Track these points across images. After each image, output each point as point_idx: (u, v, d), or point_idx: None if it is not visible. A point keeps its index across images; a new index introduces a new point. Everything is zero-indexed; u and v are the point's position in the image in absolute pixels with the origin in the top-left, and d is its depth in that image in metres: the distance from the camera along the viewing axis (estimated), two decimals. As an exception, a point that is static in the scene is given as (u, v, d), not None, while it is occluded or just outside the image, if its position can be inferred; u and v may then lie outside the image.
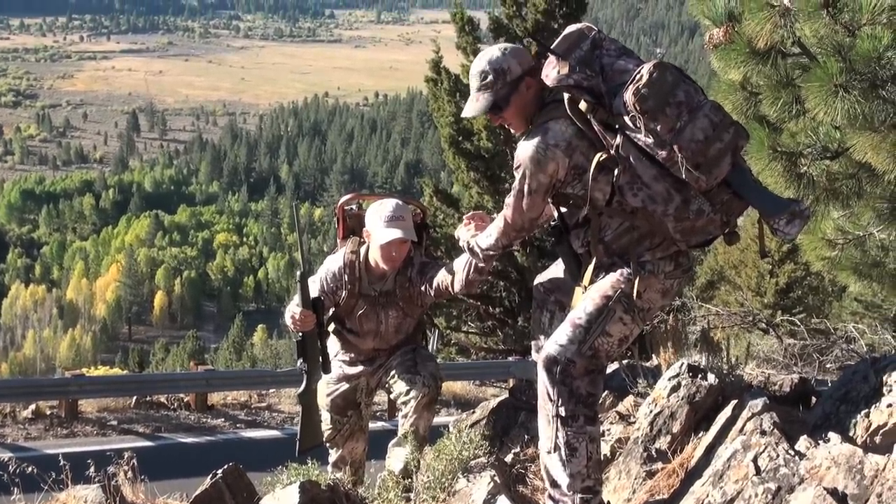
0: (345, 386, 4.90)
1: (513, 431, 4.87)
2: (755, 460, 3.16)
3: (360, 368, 4.88)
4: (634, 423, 4.28)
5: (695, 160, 3.08)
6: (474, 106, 3.50)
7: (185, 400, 14.15)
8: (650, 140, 3.11)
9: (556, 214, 3.62)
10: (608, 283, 3.41)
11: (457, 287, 4.39)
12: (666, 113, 3.07)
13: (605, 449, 4.10)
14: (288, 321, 4.54)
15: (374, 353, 4.85)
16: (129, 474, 4.53)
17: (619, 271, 3.40)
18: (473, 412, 5.31)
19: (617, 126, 3.19)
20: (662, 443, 3.91)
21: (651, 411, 4.07)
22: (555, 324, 3.72)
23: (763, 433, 3.28)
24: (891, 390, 3.40)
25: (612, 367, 5.21)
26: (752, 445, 3.24)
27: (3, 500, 4.55)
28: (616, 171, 3.24)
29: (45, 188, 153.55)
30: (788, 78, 5.04)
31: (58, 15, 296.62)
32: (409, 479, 4.02)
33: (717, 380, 4.08)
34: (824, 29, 4.52)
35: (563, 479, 3.35)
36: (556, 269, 3.96)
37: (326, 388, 4.88)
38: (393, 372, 4.70)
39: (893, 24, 4.40)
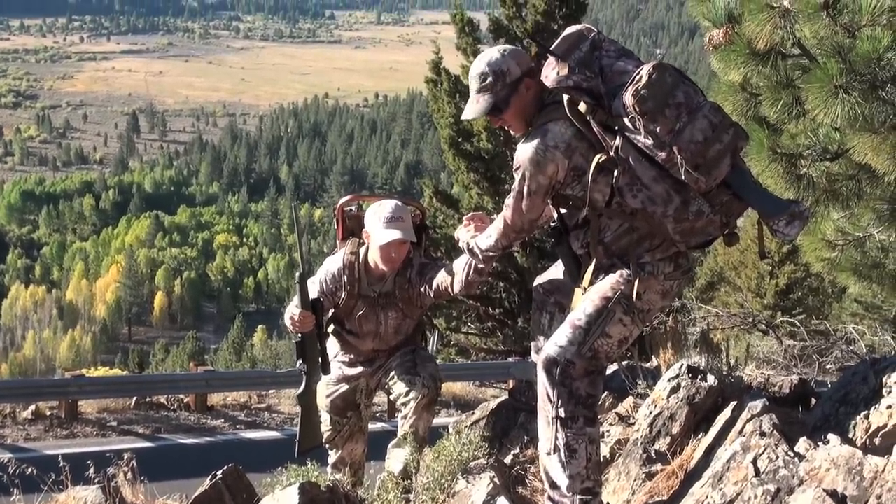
0: (344, 387, 4.89)
1: (512, 433, 4.87)
2: (755, 462, 3.16)
3: (359, 369, 4.88)
4: (634, 424, 4.28)
5: (694, 161, 3.08)
6: (474, 108, 3.50)
7: (185, 401, 14.16)
8: (649, 141, 3.11)
9: (555, 216, 3.62)
10: (608, 284, 3.40)
11: (456, 288, 4.39)
12: (665, 114, 3.07)
13: (604, 450, 4.10)
14: (287, 322, 4.53)
15: (373, 354, 4.85)
16: (129, 475, 4.53)
17: (618, 273, 3.40)
18: (473, 413, 5.31)
19: (616, 127, 3.19)
20: (662, 444, 3.91)
21: (651, 412, 4.07)
22: (554, 325, 3.72)
23: (762, 435, 3.28)
24: (890, 392, 3.40)
25: (611, 369, 5.21)
26: (751, 447, 3.24)
27: (3, 500, 4.55)
28: (615, 173, 3.24)
29: (45, 189, 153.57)
30: (788, 79, 5.05)
31: (58, 16, 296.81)
32: (409, 481, 4.02)
33: (716, 381, 4.09)
34: (824, 30, 4.53)
35: (562, 481, 3.35)
36: (556, 271, 3.95)
37: (326, 390, 4.88)
38: (392, 373, 4.70)
39: (893, 26, 4.40)
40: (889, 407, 3.34)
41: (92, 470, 4.48)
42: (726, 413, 3.73)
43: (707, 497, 3.20)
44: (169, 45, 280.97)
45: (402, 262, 4.62)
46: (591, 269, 3.45)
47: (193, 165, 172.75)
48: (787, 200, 3.26)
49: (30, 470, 4.42)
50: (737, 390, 4.11)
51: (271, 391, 15.10)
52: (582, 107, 3.23)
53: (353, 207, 4.97)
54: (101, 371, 19.65)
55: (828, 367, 8.95)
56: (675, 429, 3.93)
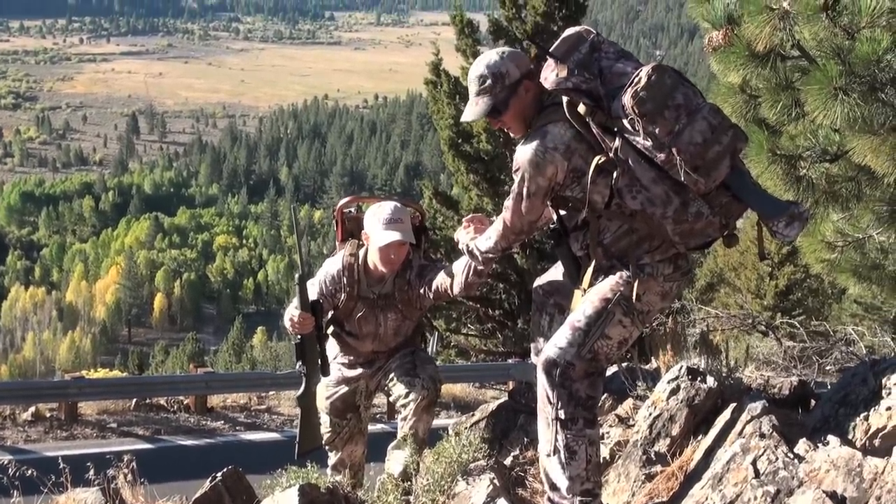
0: (344, 389, 4.89)
1: (512, 434, 4.88)
2: (754, 463, 3.16)
3: (359, 371, 4.88)
4: (633, 425, 4.28)
5: (693, 163, 3.08)
6: (473, 110, 3.50)
7: (185, 402, 14.16)
8: (649, 143, 3.11)
9: (555, 217, 3.62)
10: (607, 285, 3.40)
11: (456, 289, 4.39)
12: (664, 116, 3.07)
13: (604, 452, 4.10)
14: (287, 324, 4.53)
15: (373, 355, 4.85)
16: (129, 477, 4.53)
17: (618, 274, 3.40)
18: (473, 415, 5.31)
19: (615, 129, 3.19)
20: (661, 446, 3.91)
21: (650, 414, 4.08)
22: (554, 327, 3.72)
23: (762, 436, 3.28)
24: (890, 393, 3.40)
25: (611, 370, 5.21)
26: (751, 448, 3.24)
27: (3, 502, 4.55)
28: (615, 174, 3.24)
29: (45, 190, 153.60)
30: (788, 81, 5.05)
31: (57, 17, 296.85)
32: (409, 482, 4.02)
33: (716, 382, 4.09)
34: (823, 32, 4.53)
35: (562, 482, 3.35)
36: (556, 272, 3.95)
37: (325, 391, 4.88)
38: (392, 374, 4.70)
39: (893, 27, 4.40)
40: (888, 408, 3.34)
41: (92, 471, 4.48)
42: (726, 414, 3.73)
43: (707, 498, 3.20)
44: (168, 46, 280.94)
45: (402, 263, 4.62)
46: (590, 270, 3.45)
47: (193, 167, 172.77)
48: (786, 202, 3.26)
49: (30, 472, 4.42)
50: (736, 392, 4.11)
51: (271, 393, 15.10)
52: (581, 108, 3.23)
53: (353, 209, 4.97)
54: (101, 373, 19.63)
55: (827, 368, 8.96)
56: (675, 430, 3.93)
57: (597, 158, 3.25)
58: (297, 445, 4.71)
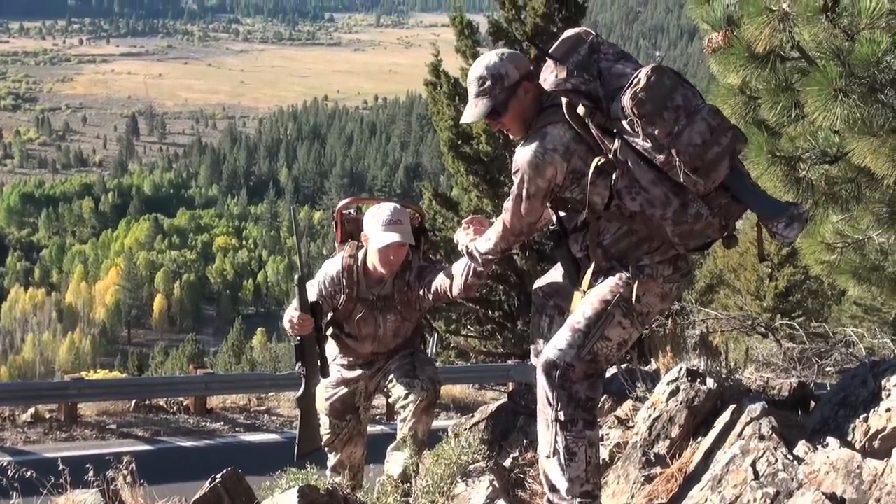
0: (343, 390, 4.90)
1: (512, 435, 4.88)
2: (754, 465, 3.16)
3: (358, 372, 4.88)
4: (633, 427, 4.28)
5: (693, 164, 3.08)
6: (473, 111, 3.50)
7: (185, 403, 14.15)
8: (648, 144, 3.11)
9: (554, 219, 3.62)
10: (607, 287, 3.40)
11: (455, 291, 4.39)
12: (664, 117, 3.07)
13: (603, 453, 4.10)
14: (286, 325, 4.53)
15: (372, 356, 4.85)
16: (128, 478, 4.52)
17: (617, 275, 3.40)
18: (472, 416, 5.31)
19: (615, 130, 3.19)
20: (661, 447, 3.91)
21: (650, 416, 4.07)
22: (554, 328, 3.72)
23: (762, 438, 3.28)
24: (889, 395, 3.40)
25: (610, 372, 5.21)
26: (750, 450, 3.24)
27: (3, 503, 4.55)
28: (614, 175, 3.24)
29: (45, 191, 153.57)
30: (787, 82, 5.05)
31: (57, 18, 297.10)
32: (408, 484, 4.02)
33: (715, 384, 4.08)
34: (823, 33, 4.53)
35: (561, 484, 3.35)
36: (556, 274, 3.95)
37: (325, 393, 4.88)
38: (391, 376, 4.71)
39: (892, 29, 4.41)
40: (888, 410, 3.34)
41: (91, 473, 4.48)
42: (725, 416, 3.73)
43: (706, 500, 3.20)
44: (168, 47, 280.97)
45: (401, 265, 4.62)
46: (590, 272, 3.45)
47: (193, 168, 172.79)
48: (785, 203, 3.26)
49: (29, 473, 4.41)
50: (736, 393, 4.11)
51: (270, 394, 15.10)
52: (580, 110, 3.23)
53: (352, 210, 4.97)
54: (101, 374, 19.61)
55: (827, 369, 8.94)
56: (675, 432, 3.93)
57: (596, 160, 3.25)
58: (296, 447, 4.71)
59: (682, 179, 3.11)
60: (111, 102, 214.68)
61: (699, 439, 3.86)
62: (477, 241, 3.89)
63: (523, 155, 3.34)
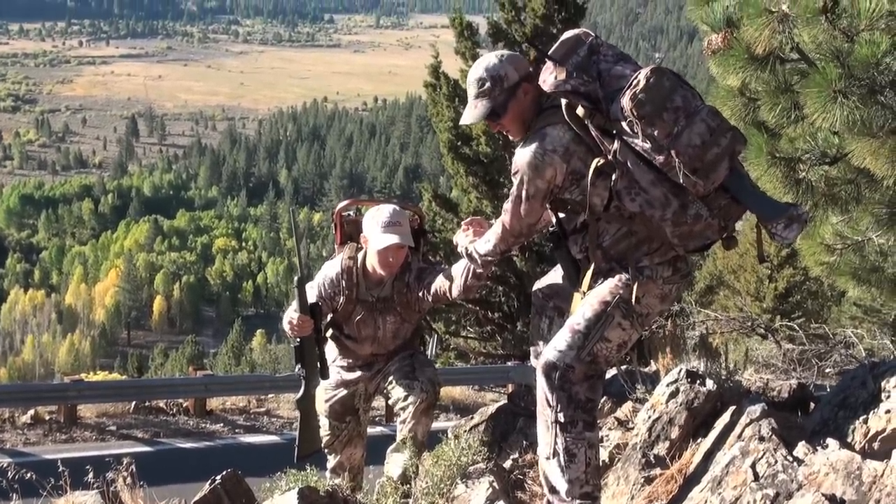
0: (343, 392, 4.90)
1: (511, 437, 4.88)
2: (753, 466, 3.16)
3: (358, 374, 4.88)
4: (633, 428, 4.28)
5: (692, 165, 3.08)
6: (472, 113, 3.50)
7: (184, 405, 14.14)
8: (647, 145, 3.11)
9: (554, 220, 3.62)
10: (606, 288, 3.40)
11: (455, 292, 4.39)
12: (663, 118, 3.07)
13: (603, 455, 4.10)
14: (286, 327, 4.53)
15: (372, 358, 4.85)
16: (128, 480, 4.52)
17: (617, 277, 3.40)
18: (472, 417, 5.31)
19: (614, 131, 3.19)
20: (661, 448, 3.91)
21: (649, 417, 4.07)
22: (554, 329, 3.72)
23: (761, 439, 3.28)
24: (889, 396, 3.40)
25: (610, 373, 5.21)
26: (750, 451, 3.24)
27: (2, 505, 4.55)
28: (614, 177, 3.24)
29: (45, 193, 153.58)
30: (787, 83, 5.05)
31: (57, 20, 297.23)
32: (408, 485, 4.03)
33: (715, 385, 4.08)
34: (823, 34, 4.53)
35: (561, 485, 3.34)
36: (555, 275, 3.95)
37: (325, 394, 4.88)
38: (391, 377, 4.71)
39: (892, 30, 4.41)
40: (888, 411, 3.34)
41: (91, 474, 4.49)
42: (725, 417, 3.73)
43: (706, 501, 3.20)
44: (168, 49, 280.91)
45: (400, 266, 4.62)
46: (589, 273, 3.45)
47: (192, 169, 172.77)
48: (785, 204, 3.26)
49: (29, 475, 4.42)
50: (736, 394, 4.11)
51: (270, 395, 15.09)
52: (580, 111, 3.23)
53: (352, 212, 4.98)
54: (100, 375, 19.56)
55: (827, 370, 8.95)
56: (674, 433, 3.93)
57: (596, 161, 3.25)
58: (296, 448, 4.71)
59: (681, 180, 3.11)
60: (111, 104, 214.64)
61: (699, 441, 3.86)
62: (476, 242, 3.89)
63: (523, 156, 3.34)
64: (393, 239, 4.45)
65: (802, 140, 5.38)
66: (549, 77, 3.27)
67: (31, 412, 13.01)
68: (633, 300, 3.34)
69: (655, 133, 3.08)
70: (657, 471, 3.81)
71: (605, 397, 4.92)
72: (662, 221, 3.24)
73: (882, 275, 6.53)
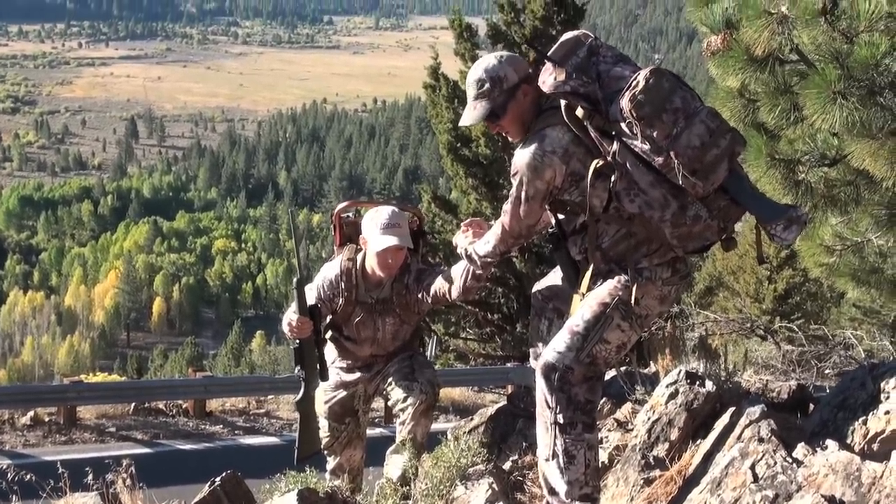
0: (342, 393, 4.89)
1: (511, 438, 4.87)
2: (753, 468, 3.16)
3: (357, 375, 4.88)
4: (632, 430, 4.27)
5: (691, 166, 3.08)
6: (471, 114, 3.50)
7: (184, 406, 14.15)
8: (647, 146, 3.11)
9: (553, 221, 3.62)
10: (606, 290, 3.40)
11: (454, 294, 4.39)
12: (662, 119, 3.07)
13: (602, 456, 4.10)
14: (285, 328, 4.53)
15: (371, 360, 4.85)
16: (128, 481, 4.52)
17: (616, 278, 3.40)
18: (472, 419, 5.31)
19: (614, 132, 3.19)
20: (660, 450, 3.91)
21: (649, 418, 4.07)
22: (553, 331, 3.72)
23: (761, 440, 3.27)
24: (888, 397, 3.40)
25: (610, 374, 5.21)
26: (749, 453, 3.24)
27: (1, 507, 4.55)
28: (613, 178, 3.24)
29: (44, 194, 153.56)
30: (786, 85, 5.05)
31: (56, 21, 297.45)
32: (407, 487, 4.02)
33: (714, 387, 4.08)
34: (822, 36, 4.53)
35: (561, 487, 3.34)
36: (554, 277, 3.95)
37: (324, 396, 4.88)
38: (390, 379, 4.70)
39: (891, 31, 4.41)
40: (887, 412, 3.34)
41: (91, 476, 4.49)
42: (725, 419, 3.73)
43: (706, 503, 3.20)
44: (167, 50, 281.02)
45: (400, 268, 4.62)
46: (589, 274, 3.45)
47: (192, 171, 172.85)
48: (784, 205, 3.26)
49: (28, 476, 4.42)
50: (735, 396, 4.11)
51: (270, 397, 15.11)
52: (579, 112, 3.23)
53: (351, 213, 4.97)
54: (100, 377, 19.56)
55: (826, 372, 8.95)
56: (674, 434, 3.92)
57: (595, 162, 3.25)
58: (296, 450, 4.71)
59: (680, 181, 3.11)
60: (110, 105, 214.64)
61: (698, 442, 3.86)
62: (476, 243, 3.89)
63: (522, 157, 3.34)
64: (392, 240, 4.44)
65: (802, 141, 5.38)
66: (548, 78, 3.27)
67: (31, 414, 13.02)
68: (633, 302, 3.33)
69: (654, 134, 3.08)
70: (657, 472, 3.81)
71: (604, 398, 4.92)
72: (661, 223, 3.24)
73: (881, 276, 6.53)
